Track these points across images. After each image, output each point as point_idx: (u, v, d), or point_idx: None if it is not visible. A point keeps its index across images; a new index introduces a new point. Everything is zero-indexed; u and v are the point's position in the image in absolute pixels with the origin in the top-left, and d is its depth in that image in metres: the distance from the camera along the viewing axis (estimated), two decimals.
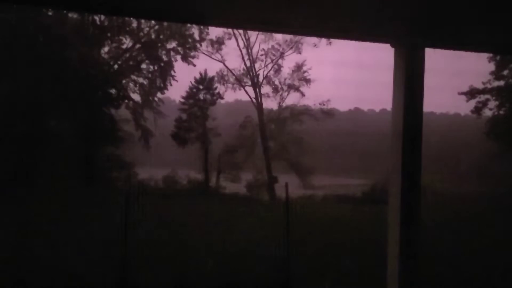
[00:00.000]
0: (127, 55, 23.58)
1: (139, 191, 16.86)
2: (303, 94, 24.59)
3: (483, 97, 22.85)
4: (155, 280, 11.42)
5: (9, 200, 14.98)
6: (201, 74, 23.87)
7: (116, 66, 23.62)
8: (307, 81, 24.56)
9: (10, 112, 18.31)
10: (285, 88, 24.70)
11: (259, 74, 24.62)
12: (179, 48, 23.53)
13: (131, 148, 21.88)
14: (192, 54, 23.70)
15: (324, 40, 23.03)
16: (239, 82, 24.63)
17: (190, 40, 23.58)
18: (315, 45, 23.69)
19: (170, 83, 23.77)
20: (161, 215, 15.13)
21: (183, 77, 23.65)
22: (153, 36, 23.57)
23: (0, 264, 11.38)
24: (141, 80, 23.82)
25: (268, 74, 24.73)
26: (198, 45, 23.76)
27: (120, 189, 19.51)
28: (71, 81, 19.89)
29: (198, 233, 14.24)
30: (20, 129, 18.12)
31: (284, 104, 24.84)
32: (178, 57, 23.56)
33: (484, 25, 3.42)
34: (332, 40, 21.32)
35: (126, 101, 23.39)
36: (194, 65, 23.72)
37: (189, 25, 21.77)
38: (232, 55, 28.48)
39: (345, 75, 21.84)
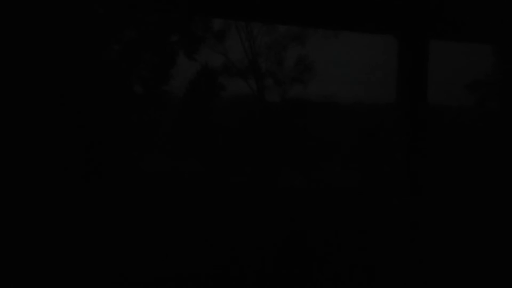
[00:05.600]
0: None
1: None
2: (306, 87, 24.54)
3: (486, 90, 22.77)
4: None
5: None
6: (203, 66, 23.82)
7: None
8: (311, 74, 24.48)
9: None
10: (288, 81, 24.63)
11: (261, 67, 24.56)
12: (182, 41, 23.46)
13: None
14: (194, 46, 23.61)
15: (328, 32, 22.94)
16: (241, 75, 24.56)
17: (193, 33, 23.50)
18: (319, 38, 23.64)
19: (172, 76, 23.73)
20: None
21: (185, 70, 23.63)
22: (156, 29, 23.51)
23: None
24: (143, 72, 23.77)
25: (271, 67, 24.66)
26: (201, 37, 23.68)
27: None
28: None
29: None
30: None
31: (287, 97, 24.77)
32: (181, 50, 23.50)
33: (488, 17, 3.42)
34: (337, 32, 21.26)
35: None
36: (196, 59, 23.66)
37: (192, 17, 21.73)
38: (235, 47, 28.44)
39: (349, 68, 21.75)
